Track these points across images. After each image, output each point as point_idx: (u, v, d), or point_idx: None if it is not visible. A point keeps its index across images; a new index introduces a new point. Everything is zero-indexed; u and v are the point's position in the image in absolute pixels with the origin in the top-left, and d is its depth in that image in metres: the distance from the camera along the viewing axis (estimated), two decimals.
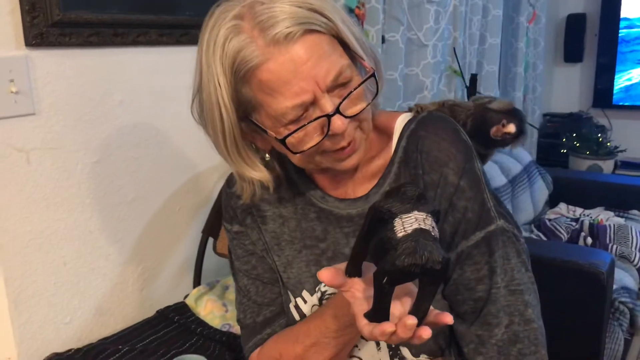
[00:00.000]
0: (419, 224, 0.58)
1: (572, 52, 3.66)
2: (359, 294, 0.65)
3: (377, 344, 0.80)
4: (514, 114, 1.09)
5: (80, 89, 1.29)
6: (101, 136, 1.35)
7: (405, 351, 0.79)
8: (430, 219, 0.59)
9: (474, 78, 1.92)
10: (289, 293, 0.87)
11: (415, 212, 0.58)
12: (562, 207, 2.84)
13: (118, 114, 1.38)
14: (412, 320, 0.58)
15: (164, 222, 1.51)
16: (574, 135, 3.34)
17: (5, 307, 1.22)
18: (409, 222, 0.58)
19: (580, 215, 2.73)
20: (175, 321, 1.38)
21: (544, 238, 2.52)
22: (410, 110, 1.03)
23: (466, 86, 1.68)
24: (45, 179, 1.25)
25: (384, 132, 0.85)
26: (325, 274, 0.66)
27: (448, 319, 0.62)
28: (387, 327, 0.59)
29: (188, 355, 1.24)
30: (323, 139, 0.72)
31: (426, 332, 0.59)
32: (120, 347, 1.26)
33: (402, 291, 0.63)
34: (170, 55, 1.46)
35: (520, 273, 0.79)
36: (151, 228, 1.48)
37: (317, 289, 0.84)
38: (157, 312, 1.44)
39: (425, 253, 0.55)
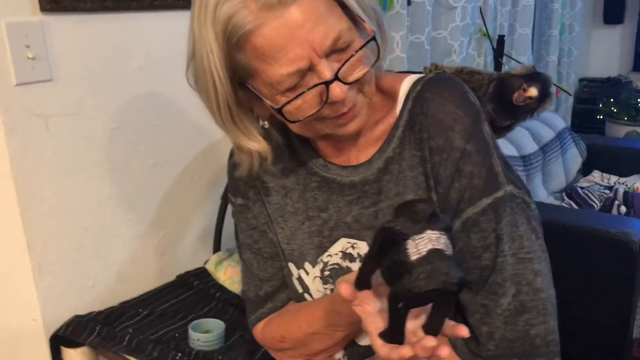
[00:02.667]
0: (433, 245, 0.55)
1: (612, 13, 3.51)
2: (370, 308, 0.64)
3: None
4: (535, 77, 1.03)
5: (97, 55, 1.29)
6: (120, 102, 1.35)
7: None
8: (444, 237, 0.57)
9: (501, 40, 1.84)
10: (292, 265, 0.86)
11: (429, 232, 0.56)
12: (596, 175, 2.75)
13: (137, 80, 1.38)
14: (431, 343, 0.57)
15: (184, 189, 1.52)
16: (612, 100, 3.22)
17: (29, 272, 1.24)
18: (422, 244, 0.56)
19: (614, 183, 2.65)
20: (195, 286, 1.40)
21: (575, 207, 2.46)
22: (425, 71, 0.98)
23: (493, 49, 1.61)
24: (65, 146, 1.26)
25: (389, 95, 0.81)
26: (345, 289, 0.63)
27: (464, 332, 0.61)
28: (406, 351, 0.58)
29: (206, 319, 1.25)
30: (322, 107, 0.69)
31: (445, 351, 0.57)
32: (140, 310, 1.28)
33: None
34: (188, 18, 1.43)
35: (530, 241, 0.75)
36: (171, 194, 1.49)
37: (318, 259, 0.83)
38: (177, 276, 1.45)
39: (441, 276, 0.54)
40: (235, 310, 1.32)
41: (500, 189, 0.74)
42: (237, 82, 0.72)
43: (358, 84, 0.72)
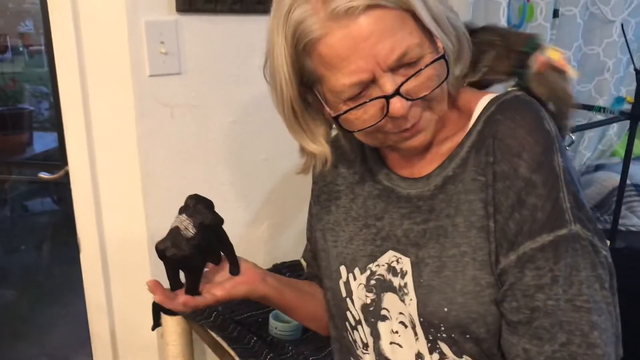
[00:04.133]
0: (176, 224, 0.76)
1: None
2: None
3: (415, 333, 0.77)
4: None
5: (223, 53, 1.40)
6: (239, 98, 1.46)
7: (444, 347, 0.75)
8: (187, 220, 0.76)
9: None
10: (344, 268, 0.86)
11: (182, 217, 0.77)
12: None
13: (256, 78, 1.44)
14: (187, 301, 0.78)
15: (291, 184, 1.59)
16: None
17: (145, 241, 1.40)
18: (174, 222, 0.77)
19: None
20: (287, 277, 1.46)
21: None
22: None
23: (636, 70, 1.44)
24: (186, 133, 1.40)
25: (465, 112, 0.78)
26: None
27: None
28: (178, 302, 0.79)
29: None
30: (381, 119, 0.70)
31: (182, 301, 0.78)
32: None
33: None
34: None
35: (592, 289, 0.68)
36: (279, 188, 1.57)
37: (367, 267, 0.83)
38: (274, 265, 1.54)
39: (159, 245, 0.75)
40: None
41: (565, 227, 0.68)
42: (306, 85, 0.74)
43: (425, 101, 0.71)
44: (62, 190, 3.44)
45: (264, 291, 0.86)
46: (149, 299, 1.43)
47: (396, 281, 0.79)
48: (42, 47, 3.73)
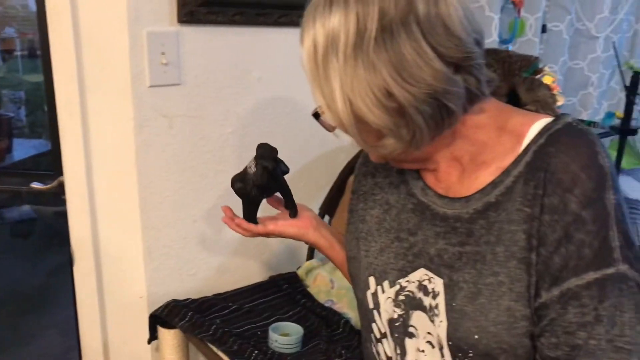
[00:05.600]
0: (249, 167, 0.95)
1: None
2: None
3: (442, 354, 0.77)
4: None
5: (222, 64, 1.40)
6: (238, 109, 1.46)
7: None
8: (254, 163, 0.94)
9: (636, 78, 1.68)
10: (372, 280, 0.86)
11: (252, 161, 0.95)
12: None
13: (256, 90, 1.48)
14: (241, 224, 1.00)
15: None
16: None
17: (141, 253, 1.39)
18: (248, 165, 0.96)
19: None
20: (284, 289, 1.46)
21: None
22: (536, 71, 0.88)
23: (625, 85, 1.48)
24: (185, 144, 1.39)
25: (515, 136, 0.75)
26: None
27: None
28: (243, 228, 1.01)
29: (287, 323, 1.31)
30: None
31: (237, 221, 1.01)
32: (230, 304, 1.37)
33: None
34: None
35: (634, 331, 0.67)
36: None
37: (397, 282, 0.83)
38: (270, 277, 1.53)
39: (234, 177, 0.96)
40: (317, 319, 1.36)
41: (613, 265, 0.67)
42: None
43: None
44: (41, 199, 3.38)
45: (314, 238, 1.00)
46: (144, 312, 1.42)
47: (427, 300, 0.78)
48: (19, 53, 3.67)
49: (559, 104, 0.81)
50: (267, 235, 1.00)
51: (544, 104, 0.80)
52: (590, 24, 2.13)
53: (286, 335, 1.27)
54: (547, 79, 0.82)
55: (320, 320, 1.35)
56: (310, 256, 1.59)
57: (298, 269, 1.56)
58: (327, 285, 1.46)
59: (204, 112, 1.40)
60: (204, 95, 1.39)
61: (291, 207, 1.01)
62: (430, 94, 0.67)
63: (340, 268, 1.03)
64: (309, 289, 1.48)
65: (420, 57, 0.65)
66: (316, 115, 0.78)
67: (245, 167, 0.96)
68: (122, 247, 1.40)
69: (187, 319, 1.29)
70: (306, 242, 1.02)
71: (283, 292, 1.46)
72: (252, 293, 1.45)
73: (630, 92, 1.57)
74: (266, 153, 0.95)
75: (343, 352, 1.22)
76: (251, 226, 0.98)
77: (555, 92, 0.81)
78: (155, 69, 1.30)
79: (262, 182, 0.94)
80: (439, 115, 0.69)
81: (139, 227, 1.37)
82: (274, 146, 0.97)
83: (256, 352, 1.21)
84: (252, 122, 1.49)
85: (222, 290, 1.47)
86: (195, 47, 1.35)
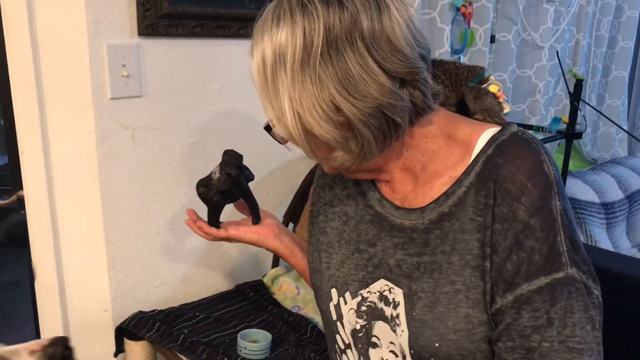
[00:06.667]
0: (212, 170, 0.96)
1: None
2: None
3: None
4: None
5: (183, 76, 1.41)
6: (200, 120, 1.47)
7: None
8: (219, 171, 0.95)
9: (579, 85, 1.77)
10: (335, 291, 0.87)
11: (217, 167, 0.96)
12: None
13: (217, 101, 1.49)
14: (204, 228, 0.98)
15: None
16: None
17: (105, 266, 1.38)
18: (212, 170, 0.96)
19: None
20: (250, 297, 1.47)
21: None
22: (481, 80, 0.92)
23: (569, 92, 1.56)
24: (147, 155, 1.39)
25: (464, 147, 0.77)
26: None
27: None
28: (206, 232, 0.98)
29: (255, 330, 1.33)
30: None
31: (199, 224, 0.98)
32: (197, 313, 1.38)
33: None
34: None
35: (584, 330, 0.70)
36: None
37: (359, 293, 0.84)
38: (236, 286, 1.54)
39: (198, 184, 0.96)
40: (284, 325, 1.38)
41: (562, 270, 0.70)
42: None
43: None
44: None
45: (274, 246, 0.98)
46: (109, 325, 1.41)
47: (388, 311, 0.80)
48: None
49: (505, 111, 0.85)
50: (229, 239, 0.99)
51: (491, 112, 0.82)
52: (536, 34, 2.23)
53: (255, 342, 1.28)
54: (492, 88, 0.86)
55: (287, 326, 1.37)
56: (275, 264, 1.61)
57: (264, 276, 1.57)
58: (293, 291, 1.48)
59: (165, 124, 1.41)
60: (165, 106, 1.40)
61: (254, 214, 1.01)
62: (376, 108, 0.68)
63: (303, 275, 1.02)
64: (275, 296, 1.49)
65: (366, 72, 0.67)
66: (268, 128, 0.80)
67: (210, 173, 0.97)
68: (86, 261, 1.38)
69: (154, 330, 1.29)
70: (267, 249, 1.00)
71: (250, 300, 1.47)
72: (219, 302, 1.45)
73: (574, 98, 1.65)
74: (231, 160, 0.97)
75: (312, 355, 1.24)
76: (212, 230, 0.98)
77: (501, 100, 0.85)
78: (116, 82, 1.30)
79: (225, 188, 0.95)
80: (386, 128, 0.71)
81: (102, 240, 1.36)
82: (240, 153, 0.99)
83: (225, 359, 1.21)
84: (213, 132, 1.50)
85: (188, 301, 1.47)
86: (156, 59, 1.36)
